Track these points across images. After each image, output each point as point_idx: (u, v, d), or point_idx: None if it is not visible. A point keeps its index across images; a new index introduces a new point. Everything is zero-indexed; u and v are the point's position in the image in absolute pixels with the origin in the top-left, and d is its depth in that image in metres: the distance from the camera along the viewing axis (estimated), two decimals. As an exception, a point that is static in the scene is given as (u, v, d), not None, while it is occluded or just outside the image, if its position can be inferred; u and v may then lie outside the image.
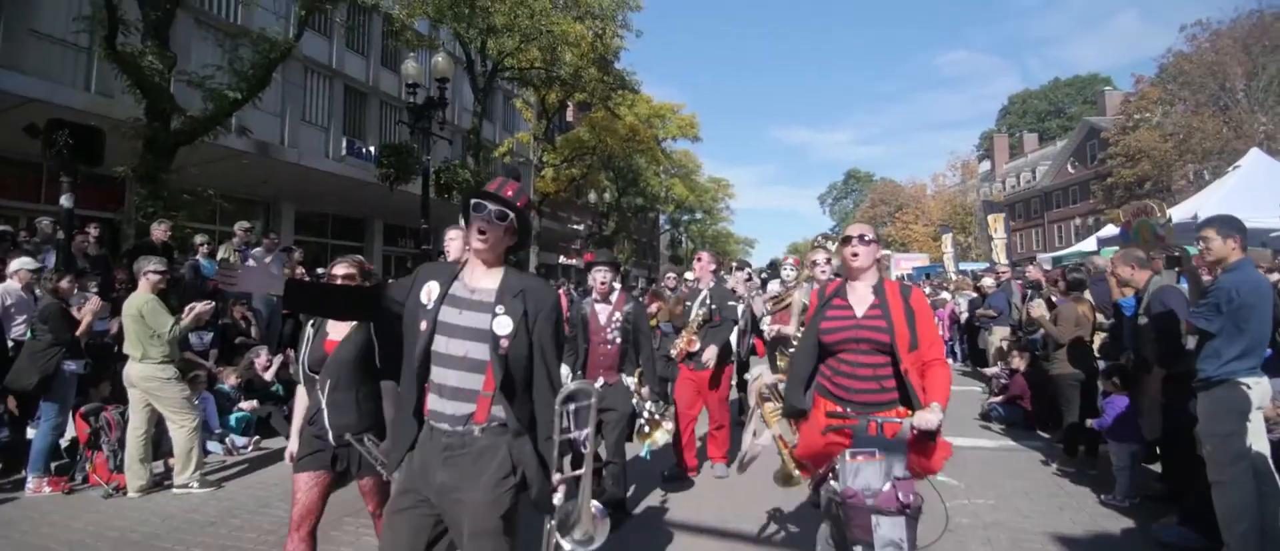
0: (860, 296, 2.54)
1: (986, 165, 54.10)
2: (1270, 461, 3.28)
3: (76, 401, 5.25)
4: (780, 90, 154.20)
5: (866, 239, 2.58)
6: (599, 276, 4.11)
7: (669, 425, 3.99)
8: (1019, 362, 6.95)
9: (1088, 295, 5.81)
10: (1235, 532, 3.18)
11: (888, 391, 2.41)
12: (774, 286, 7.01)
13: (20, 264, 5.69)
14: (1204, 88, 26.98)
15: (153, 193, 8.35)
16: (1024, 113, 59.62)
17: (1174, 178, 28.18)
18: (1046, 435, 6.47)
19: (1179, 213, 9.09)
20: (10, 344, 5.44)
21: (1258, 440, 3.25)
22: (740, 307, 6.16)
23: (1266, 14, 24.50)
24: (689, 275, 6.01)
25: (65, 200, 6.32)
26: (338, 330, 2.68)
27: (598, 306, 4.15)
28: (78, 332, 5.13)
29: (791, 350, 3.21)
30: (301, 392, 2.76)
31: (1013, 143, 54.31)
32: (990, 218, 18.07)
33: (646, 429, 3.93)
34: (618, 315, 4.11)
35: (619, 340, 4.08)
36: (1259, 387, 3.24)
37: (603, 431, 3.98)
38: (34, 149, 10.27)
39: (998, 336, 9.09)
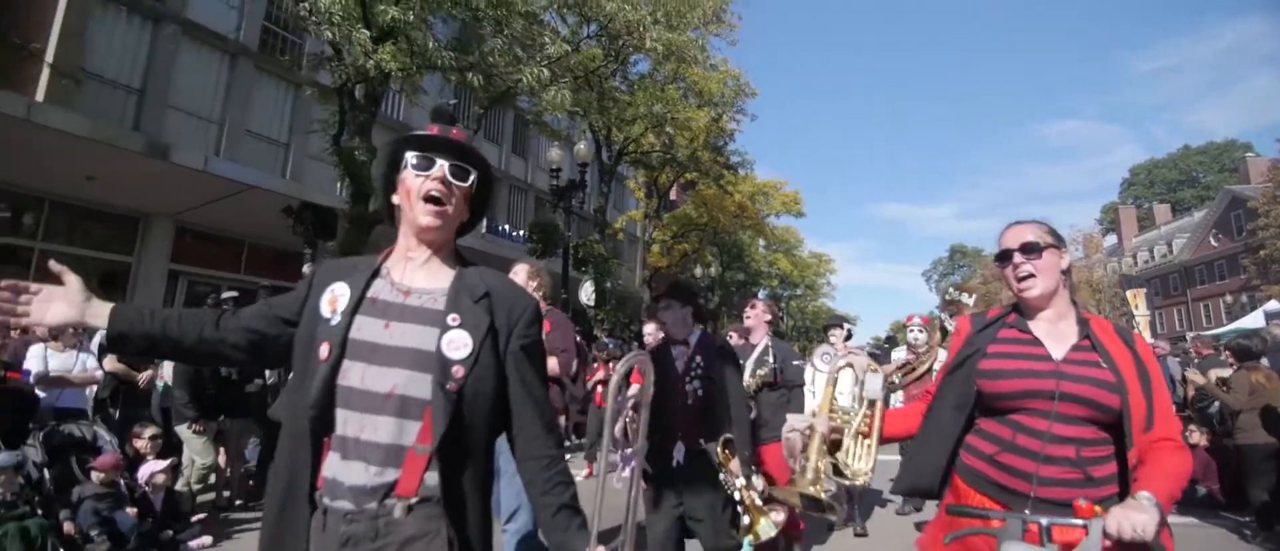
0: (1052, 331, 1.65)
1: (1112, 239, 50.69)
2: None
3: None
4: (876, 165, 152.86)
5: (1042, 247, 1.63)
6: (669, 317, 3.13)
7: (778, 516, 2.81)
8: (1198, 438, 6.49)
9: (1264, 362, 5.63)
10: None
11: (1098, 484, 1.51)
12: (899, 354, 6.08)
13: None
14: (1370, 151, 24.77)
15: (354, 264, 9.92)
16: (1151, 183, 56.08)
17: (1341, 249, 25.53)
18: (1229, 514, 6.10)
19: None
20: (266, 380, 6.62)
21: None
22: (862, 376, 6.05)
23: None
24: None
25: (308, 269, 7.67)
26: None
27: (672, 349, 3.17)
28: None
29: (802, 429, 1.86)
30: None
31: (1141, 215, 50.87)
32: (1130, 293, 16.96)
33: (746, 517, 2.77)
34: (699, 359, 3.08)
35: (701, 392, 3.01)
36: None
37: (688, 527, 2.96)
38: (235, 227, 12.35)
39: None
